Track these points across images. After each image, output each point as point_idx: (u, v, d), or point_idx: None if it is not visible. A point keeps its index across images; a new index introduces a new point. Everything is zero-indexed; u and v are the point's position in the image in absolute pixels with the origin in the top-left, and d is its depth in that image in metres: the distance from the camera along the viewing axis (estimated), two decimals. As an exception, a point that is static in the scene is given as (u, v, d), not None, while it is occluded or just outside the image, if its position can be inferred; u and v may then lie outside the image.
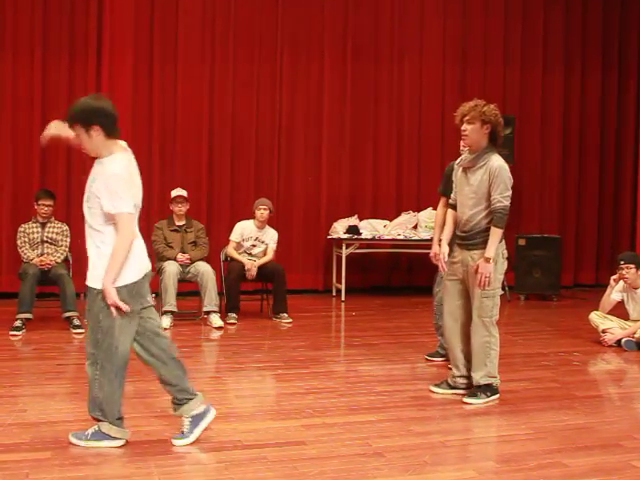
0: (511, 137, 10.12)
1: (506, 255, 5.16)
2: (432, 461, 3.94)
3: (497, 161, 5.04)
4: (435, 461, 3.95)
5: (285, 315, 8.26)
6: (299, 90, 10.43)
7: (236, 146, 10.17)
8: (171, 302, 7.80)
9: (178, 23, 9.98)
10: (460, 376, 5.32)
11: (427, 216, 9.96)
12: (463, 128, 5.09)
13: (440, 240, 5.55)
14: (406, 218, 10.24)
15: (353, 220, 10.16)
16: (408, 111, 10.87)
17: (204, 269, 8.00)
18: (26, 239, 7.82)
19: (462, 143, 5.41)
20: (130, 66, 9.76)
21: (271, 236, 8.50)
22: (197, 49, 10.05)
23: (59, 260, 7.80)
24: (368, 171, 10.71)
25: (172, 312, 7.83)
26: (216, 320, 7.84)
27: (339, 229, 10.04)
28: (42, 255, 7.74)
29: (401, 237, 10.02)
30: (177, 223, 8.28)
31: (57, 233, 7.92)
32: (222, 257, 8.63)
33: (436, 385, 5.40)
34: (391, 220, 10.33)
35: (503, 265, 5.13)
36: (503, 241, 5.12)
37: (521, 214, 10.96)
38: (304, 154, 10.48)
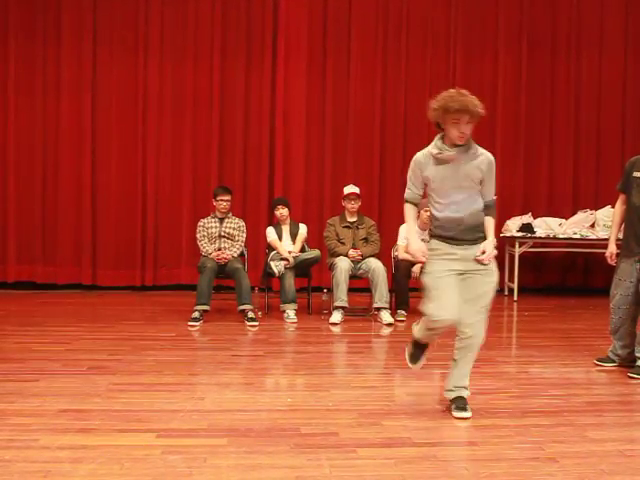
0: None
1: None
2: (609, 470, 3.77)
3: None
4: (612, 470, 3.78)
5: (455, 313, 8.16)
6: (472, 87, 10.02)
7: (408, 143, 10.16)
8: (342, 297, 7.91)
9: (351, 22, 10.10)
10: None
11: (605, 214, 9.59)
12: (462, 130, 4.73)
13: (617, 239, 5.31)
14: (583, 216, 9.92)
15: (527, 218, 9.95)
16: (586, 106, 10.53)
17: (375, 265, 8.05)
18: (205, 233, 8.14)
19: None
20: (304, 66, 9.99)
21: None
22: (369, 47, 10.14)
23: (235, 254, 8.07)
24: (543, 168, 10.46)
25: (343, 307, 7.94)
26: (386, 317, 7.87)
27: (512, 227, 9.85)
28: (219, 249, 8.04)
29: (577, 236, 9.71)
30: (349, 219, 8.38)
31: (234, 228, 8.20)
32: (393, 255, 8.65)
33: None
34: (567, 218, 10.05)
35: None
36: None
37: None
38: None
